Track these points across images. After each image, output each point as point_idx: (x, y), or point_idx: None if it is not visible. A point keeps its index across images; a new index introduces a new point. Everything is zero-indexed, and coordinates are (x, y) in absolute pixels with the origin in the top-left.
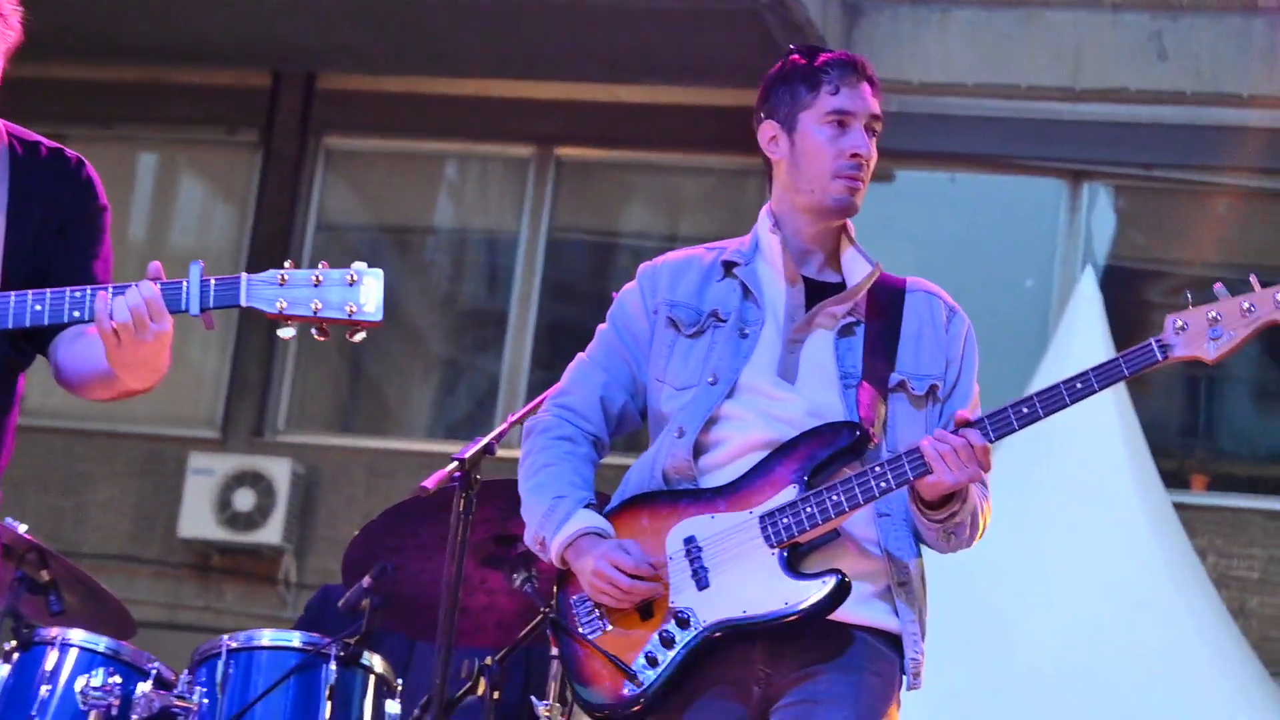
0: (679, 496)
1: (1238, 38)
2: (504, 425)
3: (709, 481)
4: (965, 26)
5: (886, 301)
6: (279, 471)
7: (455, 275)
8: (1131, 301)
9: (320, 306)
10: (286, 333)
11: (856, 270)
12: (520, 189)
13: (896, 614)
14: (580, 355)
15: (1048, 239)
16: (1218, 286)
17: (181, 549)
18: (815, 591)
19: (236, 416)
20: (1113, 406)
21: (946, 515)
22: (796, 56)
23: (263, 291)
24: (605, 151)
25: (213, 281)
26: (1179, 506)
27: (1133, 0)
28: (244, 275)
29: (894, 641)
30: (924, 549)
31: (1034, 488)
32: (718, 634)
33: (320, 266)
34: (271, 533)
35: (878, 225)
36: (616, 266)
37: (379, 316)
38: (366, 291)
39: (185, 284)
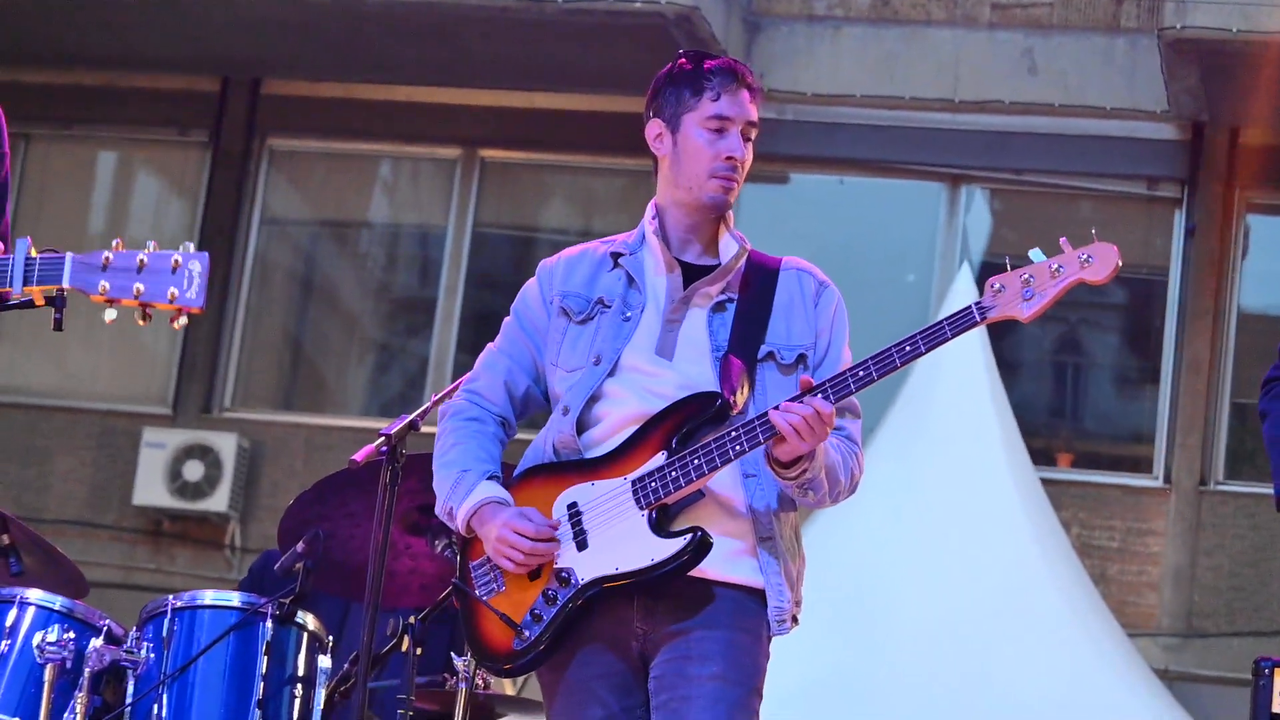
0: (565, 468)
1: (1101, 54)
2: (427, 404)
3: (592, 453)
4: (855, 42)
5: (760, 280)
6: (226, 445)
7: (388, 266)
8: None
9: (142, 290)
10: (109, 315)
11: (729, 253)
12: (448, 187)
13: (761, 570)
14: (489, 345)
15: (928, 238)
16: (1033, 251)
17: (135, 516)
18: (676, 546)
19: (186, 394)
20: (987, 389)
21: (798, 473)
22: (684, 61)
23: (86, 275)
24: (525, 154)
25: (38, 260)
26: (1046, 482)
27: (1007, 19)
28: (68, 255)
29: (762, 596)
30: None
31: (913, 466)
32: (593, 590)
33: (150, 247)
34: (219, 501)
35: (773, 225)
36: (535, 259)
37: (200, 302)
38: (189, 276)
39: (10, 260)
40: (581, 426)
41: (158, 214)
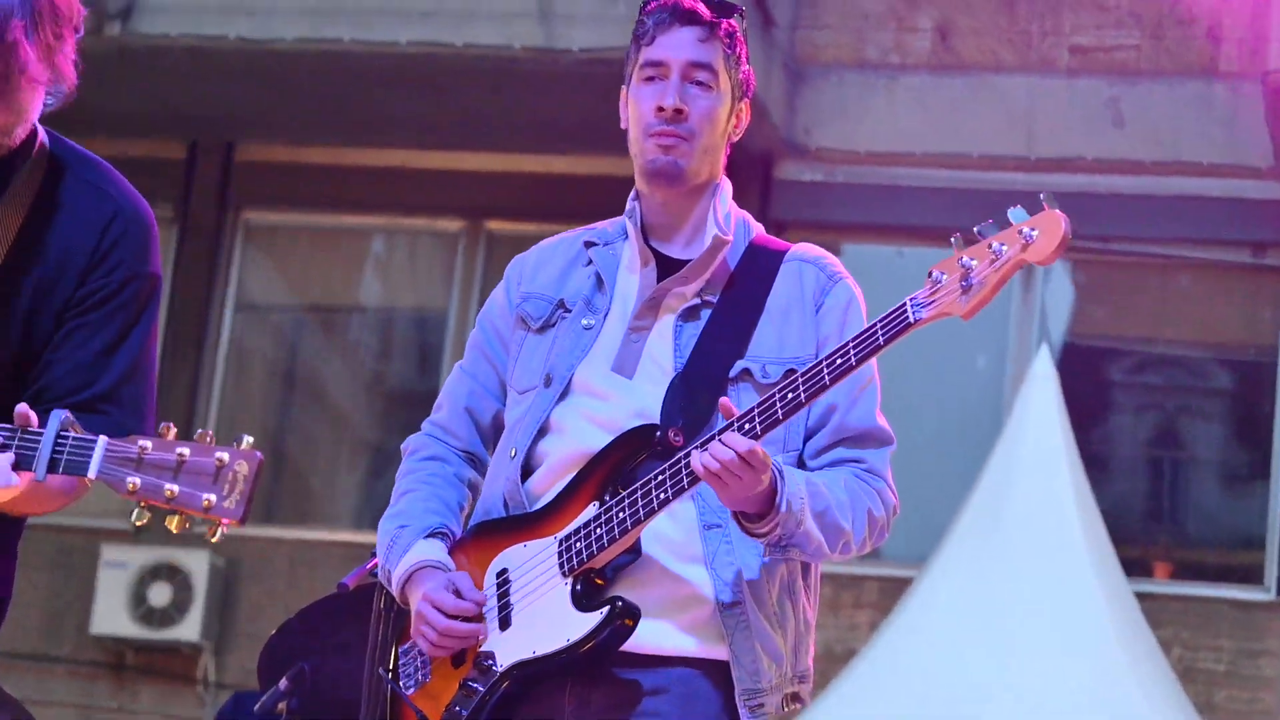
0: (504, 526)
1: (1198, 103)
2: None
3: (536, 505)
4: (914, 93)
5: (754, 276)
6: (197, 564)
7: (382, 355)
8: (1089, 380)
9: (175, 494)
10: (138, 517)
11: (708, 242)
12: (449, 264)
13: (727, 639)
14: (457, 363)
15: (1001, 315)
16: (985, 225)
17: (94, 646)
18: (592, 623)
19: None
20: (1070, 490)
21: (766, 529)
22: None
23: (116, 468)
24: (538, 225)
25: (69, 443)
26: (1142, 596)
27: (1088, 65)
28: (101, 441)
29: (726, 671)
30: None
31: (987, 581)
32: (513, 678)
33: (199, 438)
34: (189, 629)
35: None
36: None
37: (239, 514)
38: (232, 481)
39: (39, 441)
40: (527, 470)
41: None
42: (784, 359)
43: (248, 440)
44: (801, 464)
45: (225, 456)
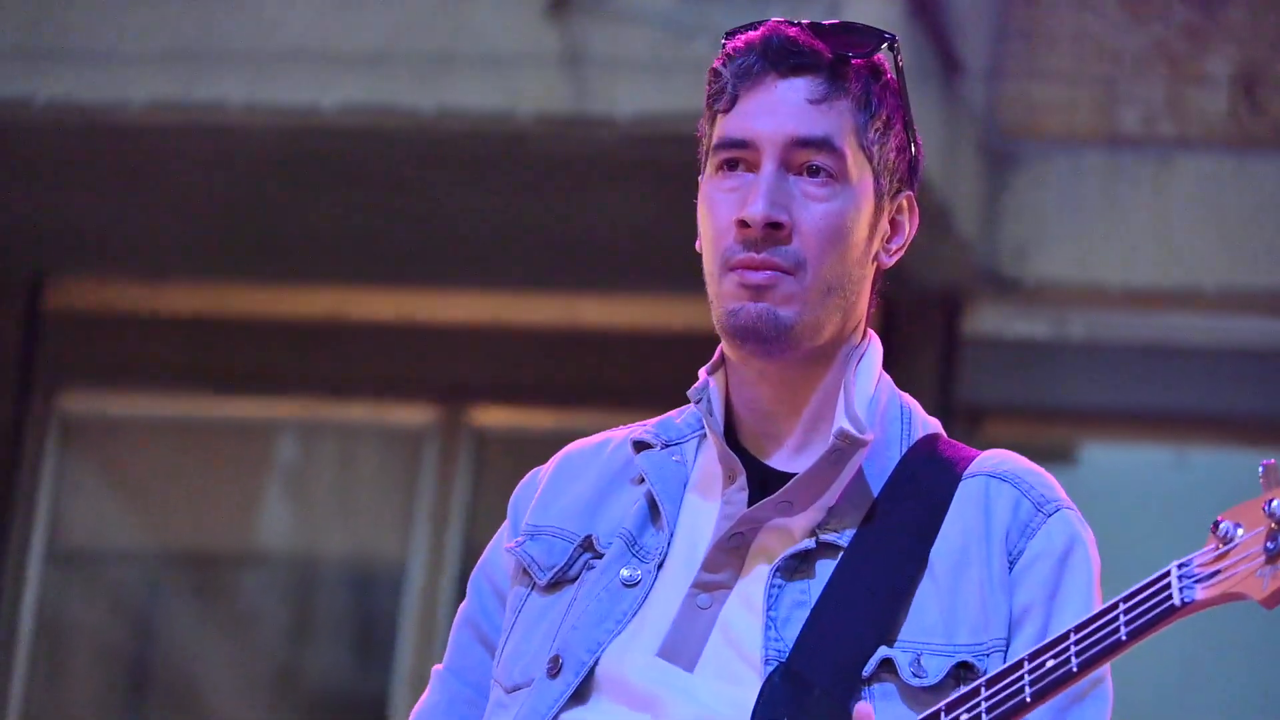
0: None
1: None
2: None
3: None
4: (1201, 183)
5: (912, 503)
6: None
7: (298, 637)
8: None
9: None
10: None
11: (830, 442)
12: (411, 480)
13: None
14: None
15: None
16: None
17: None
18: None
19: None
20: None
21: None
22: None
23: None
24: (557, 414)
25: None
26: None
27: None
28: None
29: None
30: None
31: None
32: None
33: None
34: None
35: None
36: None
37: None
38: None
39: None
40: None
41: None
42: (955, 647)
43: None
44: None
45: None
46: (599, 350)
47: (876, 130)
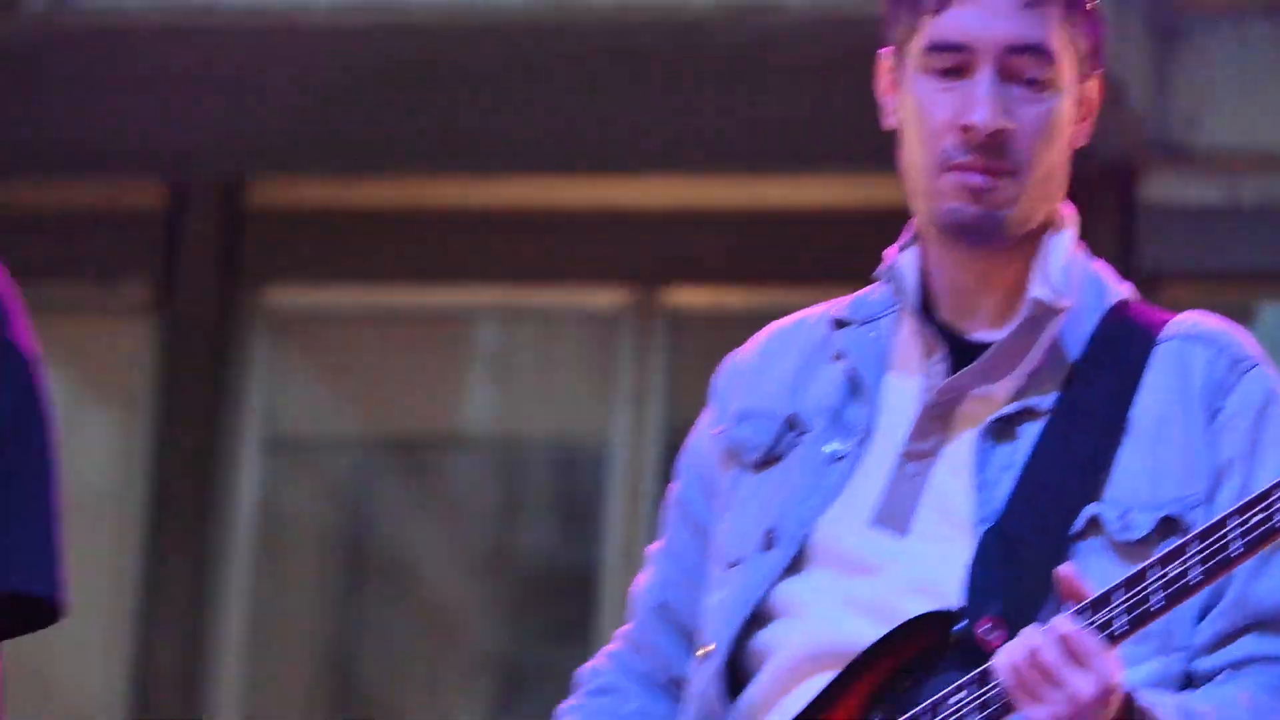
0: None
1: None
2: None
3: None
4: None
5: (1111, 366)
6: None
7: (505, 514)
8: None
9: None
10: None
11: (1027, 310)
12: (608, 361)
13: None
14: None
15: None
16: None
17: None
18: None
19: None
20: None
21: None
22: None
23: None
24: (749, 293)
25: None
26: None
27: None
28: None
29: None
30: None
31: None
32: None
33: None
34: None
35: None
36: None
37: None
38: None
39: None
40: (741, 675)
41: (72, 434)
42: (1160, 503)
43: None
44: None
45: None
46: (787, 230)
47: (1079, 22)
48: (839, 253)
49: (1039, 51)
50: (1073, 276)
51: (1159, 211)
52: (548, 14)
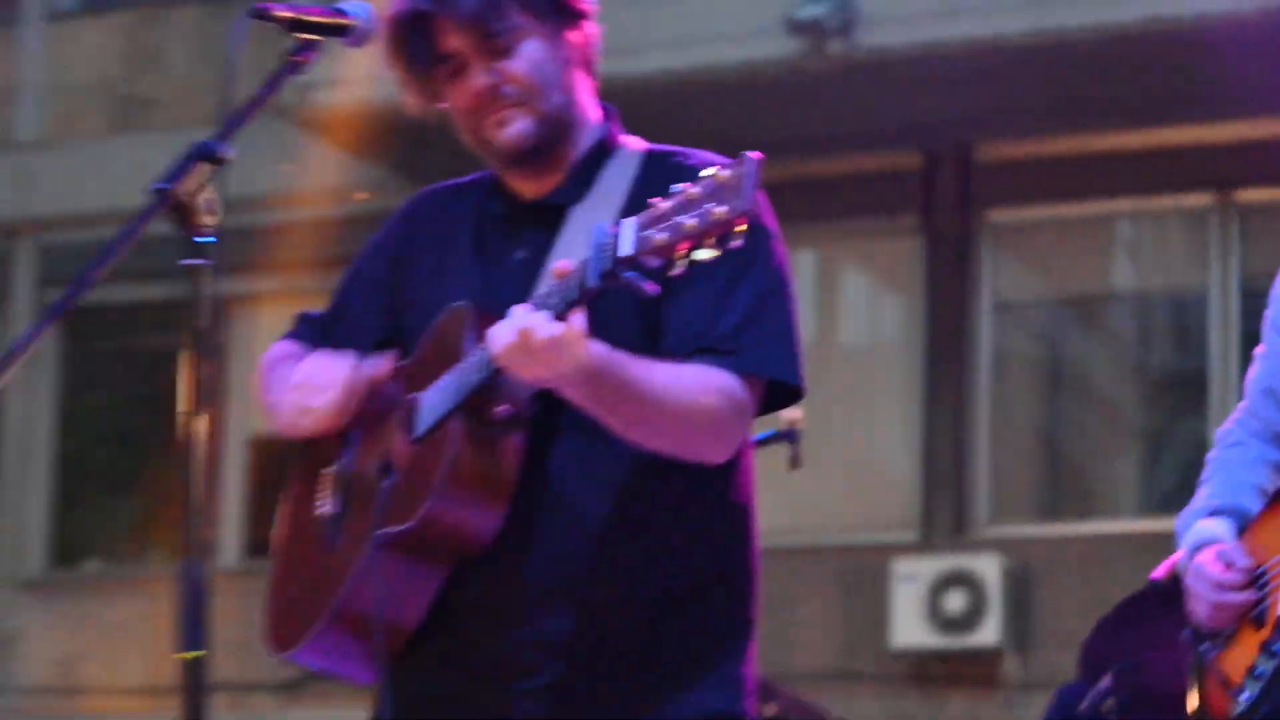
0: None
1: None
2: None
3: None
4: None
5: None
6: (988, 570)
7: (1142, 340)
8: None
9: (694, 227)
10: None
11: None
12: (1202, 241)
13: None
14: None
15: None
16: None
17: (894, 660)
18: None
19: (935, 517)
20: None
21: None
22: None
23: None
24: None
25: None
26: None
27: None
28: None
29: None
30: None
31: None
32: None
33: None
34: (987, 635)
35: None
36: None
37: (744, 206)
38: (734, 185)
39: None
40: None
41: (871, 313)
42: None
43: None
44: None
45: (719, 171)
46: None
47: None
48: None
49: None
50: None
51: None
52: None
